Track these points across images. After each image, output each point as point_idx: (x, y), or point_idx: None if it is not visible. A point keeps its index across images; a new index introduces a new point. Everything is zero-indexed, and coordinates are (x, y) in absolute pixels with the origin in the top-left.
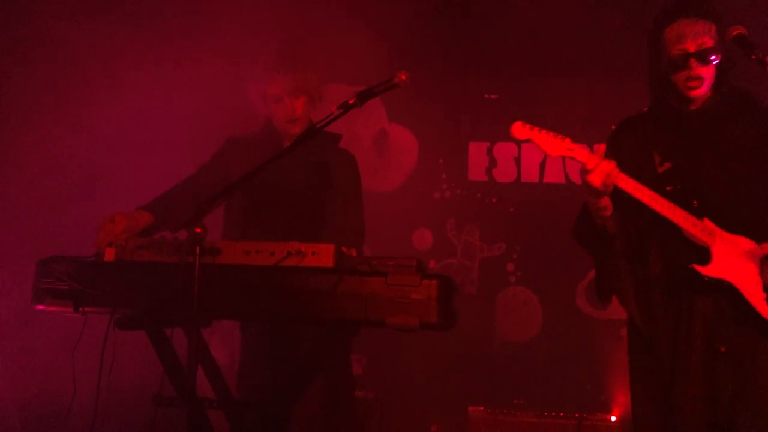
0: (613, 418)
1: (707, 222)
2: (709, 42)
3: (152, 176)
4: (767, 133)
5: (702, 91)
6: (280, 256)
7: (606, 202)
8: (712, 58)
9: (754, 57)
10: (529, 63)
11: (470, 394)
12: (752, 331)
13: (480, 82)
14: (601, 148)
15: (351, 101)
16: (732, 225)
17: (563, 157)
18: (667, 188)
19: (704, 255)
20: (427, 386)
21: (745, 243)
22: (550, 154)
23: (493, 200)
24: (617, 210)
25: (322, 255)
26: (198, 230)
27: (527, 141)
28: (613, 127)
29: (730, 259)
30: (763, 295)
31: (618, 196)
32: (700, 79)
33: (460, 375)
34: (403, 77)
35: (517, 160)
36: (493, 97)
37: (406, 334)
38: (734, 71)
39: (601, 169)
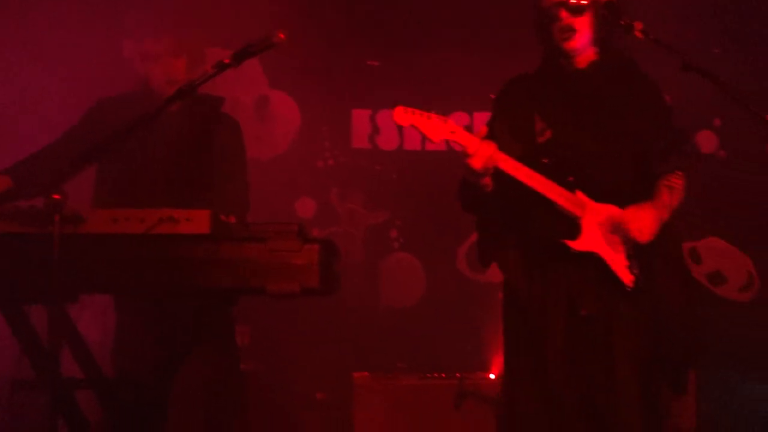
0: (492, 376)
1: (579, 194)
2: None
3: (25, 142)
4: (648, 104)
5: (576, 43)
6: (151, 223)
7: (487, 180)
8: (584, 12)
9: (622, 23)
10: (414, 32)
11: (355, 361)
12: (614, 297)
13: (362, 48)
14: (482, 130)
15: (227, 60)
16: (601, 194)
17: (446, 141)
18: (544, 160)
19: (575, 227)
20: (313, 355)
21: (612, 211)
22: (433, 139)
23: (377, 168)
24: (497, 184)
25: (196, 221)
26: (57, 196)
27: (411, 126)
28: (501, 87)
29: (597, 229)
30: (625, 262)
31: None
32: (572, 30)
33: (345, 342)
34: (282, 36)
35: (400, 128)
36: (374, 64)
37: (291, 302)
38: (616, 36)
39: (482, 153)
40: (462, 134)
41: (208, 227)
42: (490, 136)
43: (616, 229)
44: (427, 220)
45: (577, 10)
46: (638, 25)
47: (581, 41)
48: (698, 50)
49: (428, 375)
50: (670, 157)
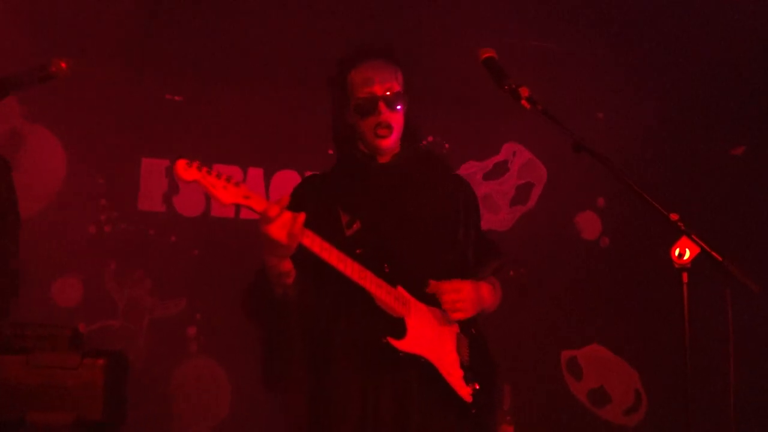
0: None
1: (401, 290)
2: (397, 87)
3: None
4: (454, 198)
5: (391, 141)
6: None
7: (289, 265)
8: (398, 106)
9: (506, 87)
10: (220, 65)
11: None
12: (448, 411)
13: (162, 78)
14: (285, 198)
15: None
16: (424, 294)
17: (237, 205)
18: (357, 251)
19: (399, 327)
20: None
21: (439, 314)
22: (222, 201)
23: (173, 239)
24: (301, 276)
25: None
26: None
27: (194, 182)
28: (294, 188)
29: (425, 331)
30: (460, 372)
31: (303, 261)
32: (389, 127)
33: None
34: (63, 65)
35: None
36: (177, 98)
37: None
38: (422, 130)
39: (284, 220)
40: (258, 199)
41: None
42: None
43: (449, 335)
44: (237, 314)
45: (395, 106)
46: (524, 92)
47: (394, 139)
48: (581, 115)
49: None
50: (487, 261)
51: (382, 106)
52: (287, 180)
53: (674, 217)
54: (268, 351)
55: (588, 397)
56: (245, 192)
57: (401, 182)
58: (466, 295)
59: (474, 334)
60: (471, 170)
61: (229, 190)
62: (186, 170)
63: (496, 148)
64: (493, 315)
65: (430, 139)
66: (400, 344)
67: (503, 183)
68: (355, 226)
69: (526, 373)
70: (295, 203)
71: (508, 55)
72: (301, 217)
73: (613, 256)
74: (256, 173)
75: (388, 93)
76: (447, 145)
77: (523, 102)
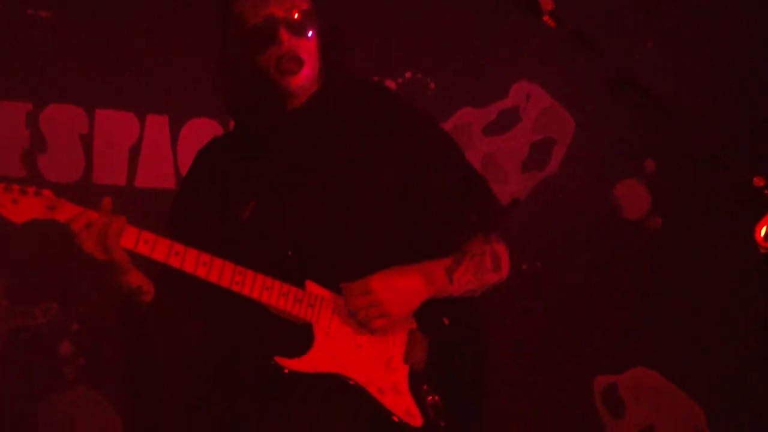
0: None
1: (311, 287)
2: (304, 4)
3: None
4: (398, 148)
5: (302, 78)
6: None
7: (136, 278)
8: (309, 31)
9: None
10: None
11: None
12: None
13: None
14: (106, 201)
15: None
16: (345, 280)
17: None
18: (249, 247)
19: (305, 338)
20: None
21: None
22: (16, 221)
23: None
24: (166, 288)
25: None
26: None
27: None
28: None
29: (345, 339)
30: (403, 386)
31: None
32: (296, 59)
33: None
34: None
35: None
36: (42, 14)
37: None
38: (353, 61)
39: (94, 229)
40: (64, 209)
41: None
42: (181, 232)
43: (386, 331)
44: None
45: (302, 26)
46: (547, 4)
47: (307, 75)
48: (624, 43)
49: None
50: (464, 222)
51: (283, 32)
52: (203, 131)
53: (759, 182)
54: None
55: None
56: (49, 201)
57: (318, 133)
58: (380, 295)
59: (446, 326)
60: (466, 120)
61: (23, 204)
62: None
63: (502, 89)
64: (495, 322)
65: (407, 75)
66: (294, 363)
67: (512, 139)
68: (249, 207)
69: (542, 407)
70: (192, 185)
71: None
72: (117, 222)
73: (668, 242)
74: (157, 123)
75: (292, 14)
76: (432, 85)
77: (546, 18)
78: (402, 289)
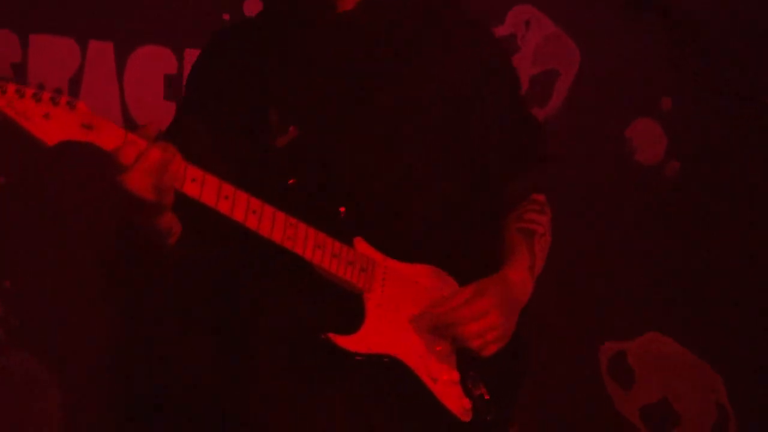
0: None
1: (361, 245)
2: None
3: None
4: (467, 71)
5: None
6: None
7: (168, 220)
8: None
9: None
10: None
11: None
12: None
13: None
14: (150, 127)
15: None
16: (404, 244)
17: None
18: (289, 181)
19: (354, 309)
20: None
21: (426, 276)
22: (46, 141)
23: None
24: (191, 230)
25: None
26: None
27: None
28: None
29: (398, 313)
30: (455, 374)
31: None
32: None
33: None
34: None
35: None
36: None
37: None
38: None
39: (149, 166)
40: (106, 127)
41: None
42: (174, 136)
43: (436, 328)
44: (72, 280)
45: None
46: None
47: None
48: None
49: None
50: (521, 168)
51: None
52: (153, 61)
53: None
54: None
55: (643, 417)
56: (85, 117)
57: (373, 49)
58: (498, 317)
59: None
60: None
61: (56, 118)
62: None
63: (497, 14)
64: None
65: None
66: (348, 341)
67: None
68: (289, 132)
69: (540, 377)
70: (199, 78)
71: None
72: (177, 161)
73: (687, 191)
74: (100, 50)
75: None
76: None
77: None
78: (513, 304)
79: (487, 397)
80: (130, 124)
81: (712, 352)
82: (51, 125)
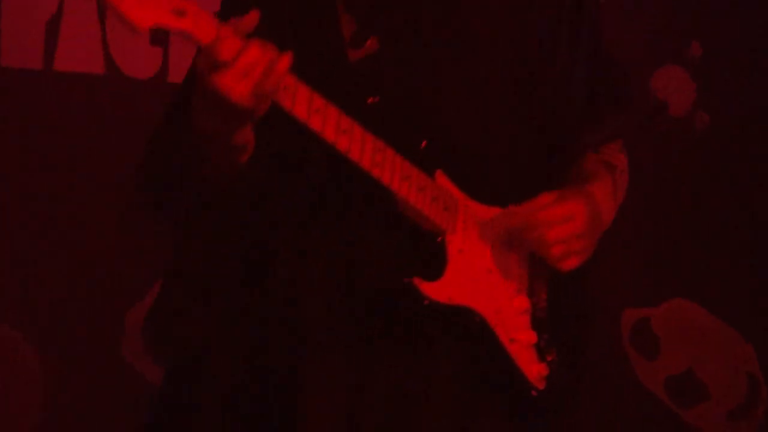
0: None
1: (442, 180)
2: None
3: None
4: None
5: None
6: None
7: (248, 135)
8: None
9: None
10: None
11: None
12: (500, 406)
13: None
14: (252, 15)
15: None
16: (482, 185)
17: (162, 31)
18: (369, 99)
19: (434, 254)
20: None
21: (506, 221)
22: (138, 25)
23: None
24: (262, 150)
25: None
26: None
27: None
28: None
29: (482, 260)
30: (531, 335)
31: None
32: None
33: None
34: None
35: None
36: None
37: None
38: None
39: (249, 65)
40: (202, 20)
41: None
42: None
43: (522, 262)
44: (58, 241)
45: None
46: None
47: None
48: None
49: None
50: (607, 112)
51: None
52: None
53: None
54: (169, 286)
55: (667, 388)
56: (178, 4)
57: None
58: (583, 225)
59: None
60: None
61: (147, 0)
62: None
63: None
64: None
65: None
66: (434, 288)
67: None
68: (367, 45)
69: None
70: None
71: None
72: (285, 60)
73: (717, 145)
74: None
75: None
76: None
77: None
78: (598, 221)
79: (556, 360)
80: (113, 70)
81: (742, 320)
82: (143, 6)
